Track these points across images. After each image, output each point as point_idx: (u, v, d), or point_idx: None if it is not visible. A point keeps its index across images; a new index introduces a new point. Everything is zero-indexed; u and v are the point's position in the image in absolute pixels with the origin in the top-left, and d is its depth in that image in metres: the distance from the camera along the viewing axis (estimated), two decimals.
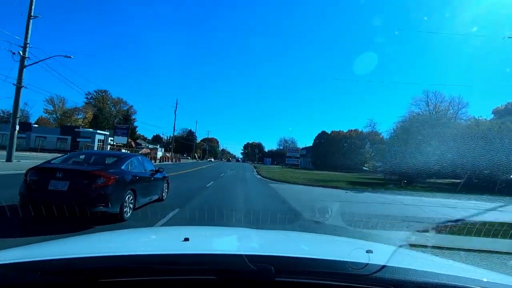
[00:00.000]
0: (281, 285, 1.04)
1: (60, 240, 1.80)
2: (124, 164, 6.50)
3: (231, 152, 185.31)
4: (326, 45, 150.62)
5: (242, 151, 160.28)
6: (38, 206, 5.26)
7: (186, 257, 1.18)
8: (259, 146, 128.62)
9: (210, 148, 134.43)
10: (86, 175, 5.56)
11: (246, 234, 2.14)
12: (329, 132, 71.56)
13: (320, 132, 74.10)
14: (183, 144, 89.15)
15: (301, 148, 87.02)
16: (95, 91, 73.06)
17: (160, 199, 8.55)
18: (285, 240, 1.97)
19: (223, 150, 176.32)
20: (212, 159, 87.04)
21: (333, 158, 51.02)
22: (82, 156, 6.94)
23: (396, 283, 1.03)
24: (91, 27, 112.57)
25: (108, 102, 75.02)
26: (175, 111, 61.09)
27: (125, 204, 6.09)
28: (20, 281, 1.03)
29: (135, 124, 77.27)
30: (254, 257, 1.09)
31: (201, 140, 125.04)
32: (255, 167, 49.37)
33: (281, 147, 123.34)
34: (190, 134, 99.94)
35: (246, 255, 1.07)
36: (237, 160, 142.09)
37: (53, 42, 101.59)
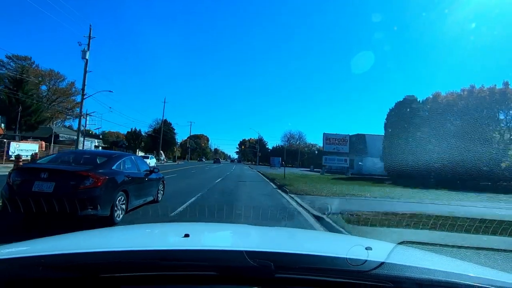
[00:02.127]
0: (281, 281, 1.04)
1: (61, 236, 1.75)
2: (115, 164, 6.14)
3: (225, 152, 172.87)
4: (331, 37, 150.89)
5: (238, 149, 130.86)
6: (21, 209, 4.90)
7: (187, 252, 1.18)
8: (260, 142, 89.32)
9: (194, 146, 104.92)
10: (73, 176, 5.19)
11: (246, 230, 2.14)
12: (420, 99, 30.51)
13: (401, 100, 31.47)
14: (157, 140, 66.14)
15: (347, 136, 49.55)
16: (8, 57, 45.17)
17: (155, 201, 8.19)
18: (285, 237, 1.97)
19: (216, 149, 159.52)
20: (162, 159, 56.16)
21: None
22: (71, 156, 6.56)
23: (394, 280, 1.03)
24: (85, 19, 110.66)
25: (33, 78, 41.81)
26: (84, 50, 26.30)
27: (116, 206, 5.74)
28: (21, 277, 1.02)
29: (86, 110, 53.55)
30: (254, 253, 1.09)
31: (188, 137, 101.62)
32: (272, 181, 19.73)
33: (286, 144, 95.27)
34: (165, 126, 71.17)
35: (246, 251, 1.07)
36: (232, 161, 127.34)
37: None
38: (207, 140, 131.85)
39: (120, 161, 6.35)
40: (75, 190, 5.10)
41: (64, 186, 5.07)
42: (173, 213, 7.01)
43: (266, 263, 1.02)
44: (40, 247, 1.33)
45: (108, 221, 5.55)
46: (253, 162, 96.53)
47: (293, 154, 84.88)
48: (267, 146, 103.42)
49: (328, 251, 1.45)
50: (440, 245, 5.02)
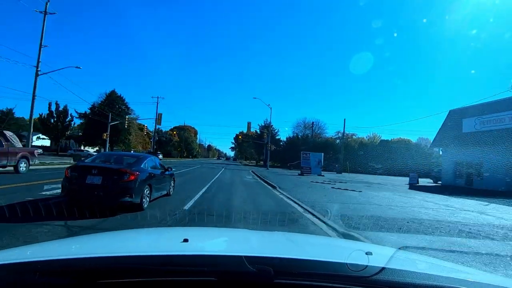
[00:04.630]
0: (280, 286, 1.05)
1: (59, 240, 1.87)
2: (143, 163, 7.86)
3: (221, 149, 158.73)
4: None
5: (233, 145, 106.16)
6: (77, 196, 6.58)
7: (185, 258, 1.19)
8: (268, 128, 56.00)
9: (169, 138, 77.81)
10: (116, 172, 6.91)
11: (245, 235, 2.16)
12: None
13: None
14: (102, 125, 40.68)
15: None
16: None
17: (168, 194, 9.89)
18: (285, 242, 1.96)
19: (209, 146, 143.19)
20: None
21: None
22: (106, 156, 8.29)
23: (395, 285, 1.04)
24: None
25: None
26: None
27: (144, 196, 7.44)
28: (17, 282, 1.02)
29: None
30: (253, 258, 1.10)
31: (171, 129, 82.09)
32: None
33: (301, 134, 65.29)
34: (112, 101, 47.15)
35: (246, 256, 1.08)
36: (227, 158, 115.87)
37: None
38: (195, 133, 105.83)
39: (145, 161, 8.08)
40: (117, 183, 6.80)
41: (109, 179, 6.77)
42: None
43: (265, 268, 1.03)
44: (38, 252, 1.35)
45: (139, 207, 7.25)
46: (257, 162, 69.44)
47: (319, 149, 50.09)
48: (277, 137, 68.09)
49: (328, 256, 1.48)
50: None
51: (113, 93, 49.96)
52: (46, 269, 1.06)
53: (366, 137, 67.23)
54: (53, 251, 1.41)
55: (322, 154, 33.21)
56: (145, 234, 2.17)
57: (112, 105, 47.60)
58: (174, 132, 66.72)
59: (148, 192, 7.75)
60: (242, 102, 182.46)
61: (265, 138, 50.65)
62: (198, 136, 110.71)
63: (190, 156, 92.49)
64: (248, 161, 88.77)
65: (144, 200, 7.47)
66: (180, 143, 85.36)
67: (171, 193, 10.20)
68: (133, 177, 7.01)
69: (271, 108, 45.07)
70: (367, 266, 1.09)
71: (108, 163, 7.64)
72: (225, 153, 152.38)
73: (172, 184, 10.45)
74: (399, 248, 1.75)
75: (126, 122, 43.66)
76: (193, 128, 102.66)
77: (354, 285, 1.04)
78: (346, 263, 1.10)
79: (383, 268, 1.09)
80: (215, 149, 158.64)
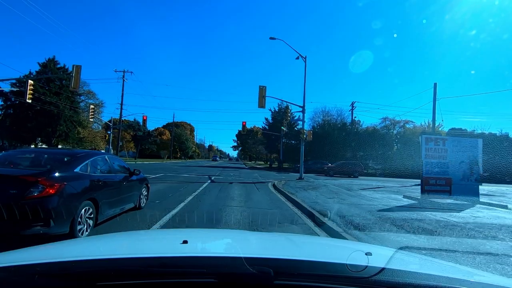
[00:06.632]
0: None
1: (58, 243, 1.66)
2: (80, 166, 4.86)
3: (223, 149, 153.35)
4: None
5: (236, 143, 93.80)
6: None
7: (185, 259, 1.17)
8: (286, 114, 30.26)
9: (147, 132, 59.38)
10: (15, 182, 3.93)
11: (245, 236, 2.09)
12: None
13: None
14: (28, 109, 28.83)
15: None
16: None
17: (137, 207, 6.96)
18: (284, 243, 1.86)
19: (210, 146, 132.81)
20: None
21: None
22: (24, 155, 5.28)
23: (395, 286, 1.02)
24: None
25: None
26: None
27: (79, 220, 4.49)
28: (17, 285, 1.00)
29: None
30: (253, 259, 1.09)
31: (163, 126, 69.43)
32: None
33: (332, 121, 45.45)
34: (47, 73, 30.89)
35: (245, 258, 1.06)
36: (230, 159, 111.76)
37: None
38: (191, 130, 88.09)
39: (87, 161, 5.07)
40: (17, 201, 3.83)
41: (4, 195, 3.82)
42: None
43: (265, 269, 1.01)
44: (36, 255, 1.30)
45: (68, 239, 4.31)
46: (271, 164, 47.98)
47: (364, 143, 35.78)
48: (298, 127, 42.45)
49: (328, 256, 1.45)
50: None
51: (51, 62, 32.36)
52: (45, 271, 1.04)
53: (420, 126, 44.30)
54: (51, 254, 1.38)
55: (480, 141, 11.97)
56: (145, 236, 2.10)
57: (50, 81, 32.13)
58: (144, 120, 38.73)
59: (90, 211, 4.80)
60: (244, 103, 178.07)
61: (285, 123, 31.59)
62: (196, 134, 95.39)
63: (183, 157, 73.30)
64: (253, 161, 69.66)
65: (80, 226, 4.52)
66: (150, 137, 63.96)
67: (142, 205, 7.26)
68: (51, 191, 4.04)
69: (305, 58, 21.55)
70: (367, 266, 1.07)
71: (16, 166, 4.66)
72: (228, 154, 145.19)
73: (145, 193, 7.51)
74: (399, 248, 1.65)
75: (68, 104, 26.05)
76: (189, 124, 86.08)
77: (354, 286, 1.02)
78: (346, 264, 1.08)
79: (383, 269, 1.06)
80: (217, 149, 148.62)
